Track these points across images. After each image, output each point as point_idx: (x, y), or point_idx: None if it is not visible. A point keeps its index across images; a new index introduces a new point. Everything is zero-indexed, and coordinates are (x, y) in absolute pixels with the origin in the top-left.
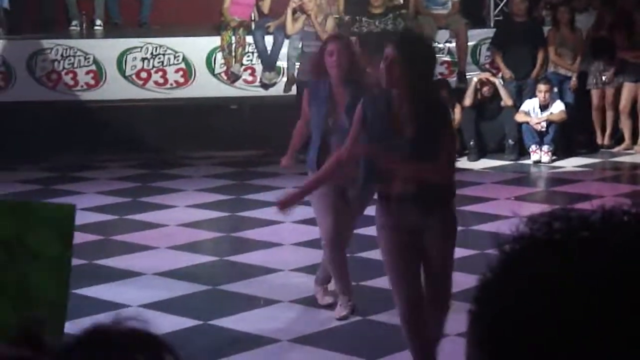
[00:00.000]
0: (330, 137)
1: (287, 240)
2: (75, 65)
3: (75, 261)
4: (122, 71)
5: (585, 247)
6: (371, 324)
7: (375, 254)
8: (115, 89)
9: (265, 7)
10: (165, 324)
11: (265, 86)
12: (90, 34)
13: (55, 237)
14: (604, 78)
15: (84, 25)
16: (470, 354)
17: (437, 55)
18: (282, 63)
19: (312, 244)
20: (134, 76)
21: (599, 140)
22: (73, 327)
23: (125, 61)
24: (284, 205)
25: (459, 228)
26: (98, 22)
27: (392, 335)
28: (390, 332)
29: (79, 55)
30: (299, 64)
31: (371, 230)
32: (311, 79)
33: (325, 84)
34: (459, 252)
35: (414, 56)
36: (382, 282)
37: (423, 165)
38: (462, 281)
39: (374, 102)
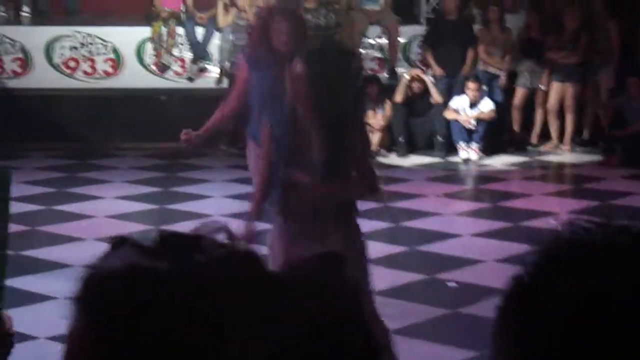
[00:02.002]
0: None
1: None
2: (2, 52)
3: None
4: (50, 59)
5: (624, 253)
6: None
7: None
8: (43, 77)
9: None
10: None
11: (190, 79)
12: (17, 21)
13: None
14: (541, 87)
15: (11, 12)
16: (501, 348)
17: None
18: (212, 54)
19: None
20: (62, 65)
21: (518, 138)
22: None
23: (54, 49)
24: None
25: (389, 224)
26: (25, 8)
27: None
28: None
29: (5, 43)
30: (232, 57)
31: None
32: (249, 48)
33: (270, 55)
34: (388, 249)
35: (324, 74)
36: None
37: (338, 185)
38: (392, 278)
39: (282, 120)
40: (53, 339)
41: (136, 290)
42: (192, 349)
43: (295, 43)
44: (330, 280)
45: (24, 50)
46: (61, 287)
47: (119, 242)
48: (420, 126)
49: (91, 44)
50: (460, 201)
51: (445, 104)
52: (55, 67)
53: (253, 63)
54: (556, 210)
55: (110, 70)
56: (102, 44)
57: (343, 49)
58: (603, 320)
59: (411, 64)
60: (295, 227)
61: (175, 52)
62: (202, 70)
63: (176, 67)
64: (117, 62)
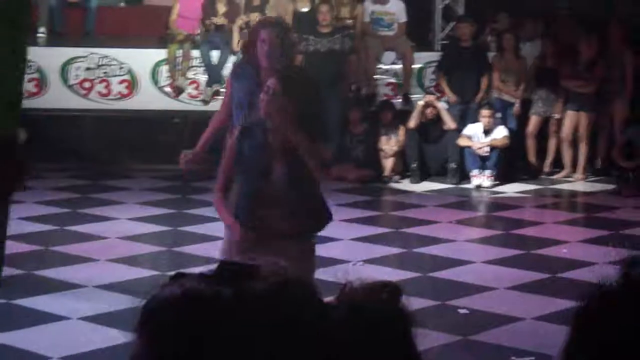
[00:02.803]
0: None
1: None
2: None
3: (13, 271)
4: (65, 80)
5: None
6: None
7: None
8: (58, 98)
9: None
10: (104, 337)
11: (204, 102)
12: (33, 42)
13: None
14: (555, 116)
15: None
16: None
17: (380, 77)
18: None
19: None
20: (77, 86)
21: (533, 166)
22: (9, 338)
23: (69, 70)
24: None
25: (401, 250)
26: (41, 29)
27: None
28: None
29: None
30: None
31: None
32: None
33: (253, 67)
34: (399, 274)
35: (296, 92)
36: None
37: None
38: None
39: (252, 134)
40: (66, 358)
41: (196, 315)
42: None
43: (277, 54)
44: (385, 312)
45: (39, 70)
46: (74, 307)
47: (178, 276)
48: (433, 152)
49: (107, 65)
50: (472, 228)
51: (458, 131)
52: (70, 87)
53: (235, 74)
54: (568, 239)
55: (125, 91)
56: (117, 65)
57: (310, 77)
58: None
59: (425, 90)
60: (252, 237)
61: (190, 74)
62: (216, 93)
63: (190, 89)
64: (132, 83)
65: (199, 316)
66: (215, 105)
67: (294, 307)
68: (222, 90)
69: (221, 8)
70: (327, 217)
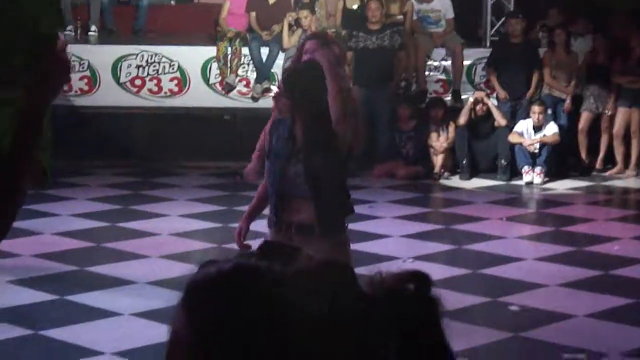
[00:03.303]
0: None
1: None
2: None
3: (65, 267)
4: (116, 78)
5: None
6: None
7: None
8: (109, 95)
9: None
10: (156, 333)
11: (254, 99)
12: (84, 40)
13: None
14: (607, 112)
15: (79, 30)
16: None
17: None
18: (277, 75)
19: None
20: (128, 83)
21: (584, 163)
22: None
23: (120, 68)
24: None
25: (451, 247)
26: (93, 27)
27: None
28: None
29: (73, 61)
30: None
31: None
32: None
33: None
34: (450, 271)
35: (297, 89)
36: None
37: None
38: (453, 300)
39: (279, 126)
40: (119, 354)
41: (241, 284)
42: (287, 341)
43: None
44: (414, 300)
45: (91, 68)
46: (126, 303)
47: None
48: (483, 149)
49: (157, 62)
50: (522, 225)
51: (509, 127)
52: (121, 85)
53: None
54: (620, 236)
55: (175, 89)
56: (168, 63)
57: (318, 73)
58: None
59: (475, 86)
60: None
61: (240, 72)
62: (266, 90)
63: (240, 86)
64: (182, 81)
65: (252, 288)
66: (265, 102)
67: (339, 286)
68: (272, 87)
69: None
70: (347, 210)
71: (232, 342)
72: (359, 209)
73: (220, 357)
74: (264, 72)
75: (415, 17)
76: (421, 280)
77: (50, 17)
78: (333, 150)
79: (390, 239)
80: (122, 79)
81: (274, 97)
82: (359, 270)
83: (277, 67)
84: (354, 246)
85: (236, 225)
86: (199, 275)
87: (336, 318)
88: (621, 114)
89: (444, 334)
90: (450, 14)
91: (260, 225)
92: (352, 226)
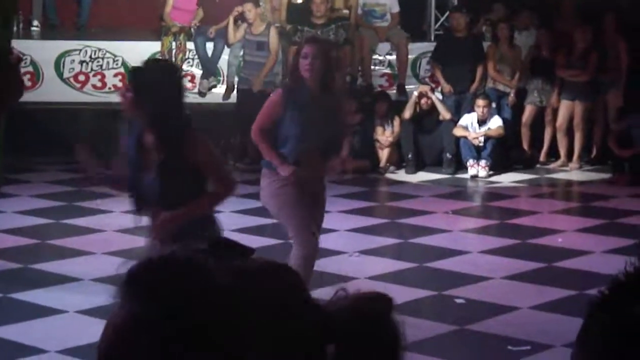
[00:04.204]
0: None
1: None
2: None
3: (9, 265)
4: (59, 73)
5: None
6: None
7: None
8: (53, 91)
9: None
10: (100, 330)
11: (201, 94)
12: (27, 35)
13: None
14: (544, 102)
15: (21, 25)
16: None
17: (375, 68)
18: (222, 70)
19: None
20: (71, 79)
21: (528, 156)
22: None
23: (63, 63)
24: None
25: (397, 241)
26: (35, 22)
27: None
28: None
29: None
30: (241, 73)
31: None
32: (287, 84)
33: (303, 90)
34: (396, 265)
35: (145, 86)
36: None
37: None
38: (399, 294)
39: (133, 128)
40: (63, 352)
41: (182, 277)
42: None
43: (319, 69)
44: (376, 324)
45: (34, 64)
46: (71, 300)
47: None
48: (428, 143)
49: (101, 58)
50: (468, 218)
51: (454, 121)
52: (65, 81)
53: (288, 93)
54: (563, 228)
55: (119, 84)
56: (112, 58)
57: (170, 66)
58: None
59: (420, 80)
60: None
61: (185, 66)
62: (213, 87)
63: (185, 82)
64: (126, 76)
65: (181, 278)
66: (211, 97)
67: (281, 286)
68: (218, 85)
69: None
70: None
71: (173, 332)
72: None
73: (163, 350)
74: (210, 67)
75: (360, 12)
76: (382, 301)
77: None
78: (177, 159)
79: (336, 233)
80: (66, 75)
81: (120, 93)
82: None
83: (223, 63)
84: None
85: None
86: (136, 266)
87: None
88: (564, 107)
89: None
90: (396, 8)
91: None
92: None
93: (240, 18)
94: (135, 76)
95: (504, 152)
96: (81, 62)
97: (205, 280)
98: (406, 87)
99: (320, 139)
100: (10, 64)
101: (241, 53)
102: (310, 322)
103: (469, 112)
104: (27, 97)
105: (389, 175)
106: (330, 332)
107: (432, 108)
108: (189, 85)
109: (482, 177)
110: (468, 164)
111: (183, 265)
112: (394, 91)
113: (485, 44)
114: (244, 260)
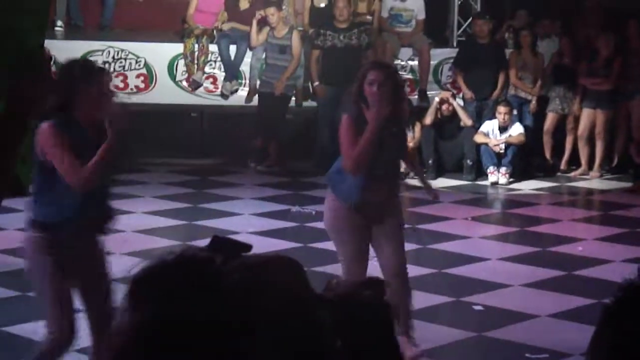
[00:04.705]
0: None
1: None
2: None
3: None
4: None
5: None
6: None
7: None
8: None
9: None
10: None
11: (224, 96)
12: (50, 35)
13: None
14: (566, 110)
15: None
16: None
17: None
18: (244, 73)
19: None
20: None
21: (549, 164)
22: (23, 329)
23: None
24: None
25: (416, 246)
26: (59, 23)
27: None
28: None
29: None
30: (262, 76)
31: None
32: (352, 110)
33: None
34: (415, 271)
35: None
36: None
37: None
38: (418, 299)
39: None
40: (80, 351)
41: (189, 277)
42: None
43: (386, 94)
44: (369, 308)
45: (57, 64)
46: None
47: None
48: (449, 149)
49: (124, 59)
50: (487, 225)
51: (475, 128)
52: None
53: (356, 120)
54: (583, 237)
55: (141, 85)
56: (134, 59)
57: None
58: None
59: (442, 86)
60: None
61: (207, 69)
62: (235, 91)
63: (207, 84)
64: (148, 77)
65: (192, 279)
66: (234, 100)
67: (287, 280)
68: (242, 89)
69: (243, 4)
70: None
71: (176, 336)
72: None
73: (165, 355)
74: (232, 70)
75: (386, 15)
76: (375, 286)
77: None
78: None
79: None
80: None
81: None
82: (326, 268)
83: (245, 65)
84: (318, 244)
85: (202, 222)
86: (142, 270)
87: (284, 313)
88: (586, 115)
89: (395, 337)
90: (422, 15)
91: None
92: (317, 224)
93: (263, 22)
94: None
95: (524, 160)
96: (104, 63)
97: (214, 281)
98: (428, 92)
99: (386, 166)
100: (44, 70)
101: (264, 56)
102: (319, 311)
103: (490, 118)
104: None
105: (409, 181)
106: (334, 320)
107: (453, 114)
108: (211, 87)
109: (502, 184)
110: (488, 170)
111: (190, 267)
112: (416, 97)
113: (508, 51)
114: (247, 257)
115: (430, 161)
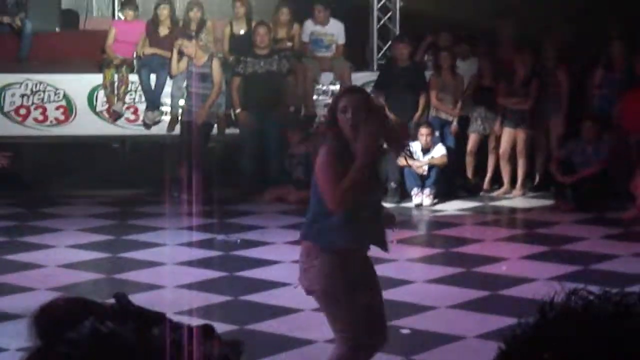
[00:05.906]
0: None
1: (169, 282)
2: None
3: None
4: (0, 107)
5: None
6: None
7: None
8: None
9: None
10: None
11: (147, 126)
12: None
13: None
14: (488, 130)
15: None
16: None
17: (318, 98)
18: (165, 102)
19: (192, 286)
20: (12, 112)
21: (472, 184)
22: None
23: (4, 97)
24: None
25: None
26: None
27: None
28: None
29: None
30: (183, 104)
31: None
32: (333, 143)
33: (347, 147)
34: None
35: None
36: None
37: None
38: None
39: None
40: None
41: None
42: None
43: (356, 118)
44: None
45: None
46: (13, 338)
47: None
48: None
49: (42, 91)
50: (413, 247)
51: None
52: (6, 114)
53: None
54: (507, 256)
55: (61, 117)
56: (53, 91)
57: None
58: None
59: None
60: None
61: (128, 99)
62: (158, 121)
63: (128, 114)
64: (68, 109)
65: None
66: (156, 129)
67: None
68: (164, 118)
69: (163, 31)
70: None
71: None
72: (250, 234)
73: None
74: (153, 99)
75: (307, 40)
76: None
77: None
78: None
79: (282, 264)
80: (7, 108)
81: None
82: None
83: (165, 95)
84: (245, 273)
85: (125, 255)
86: (39, 308)
87: None
88: (507, 134)
89: None
90: (342, 39)
91: None
92: (243, 252)
93: (182, 52)
94: None
95: (448, 181)
96: (22, 96)
97: (95, 324)
98: None
99: (371, 201)
100: None
101: (184, 85)
102: None
103: (412, 141)
104: None
105: None
106: None
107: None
108: (132, 117)
109: (426, 206)
110: (412, 192)
111: (79, 307)
112: None
113: (428, 73)
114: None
115: None
